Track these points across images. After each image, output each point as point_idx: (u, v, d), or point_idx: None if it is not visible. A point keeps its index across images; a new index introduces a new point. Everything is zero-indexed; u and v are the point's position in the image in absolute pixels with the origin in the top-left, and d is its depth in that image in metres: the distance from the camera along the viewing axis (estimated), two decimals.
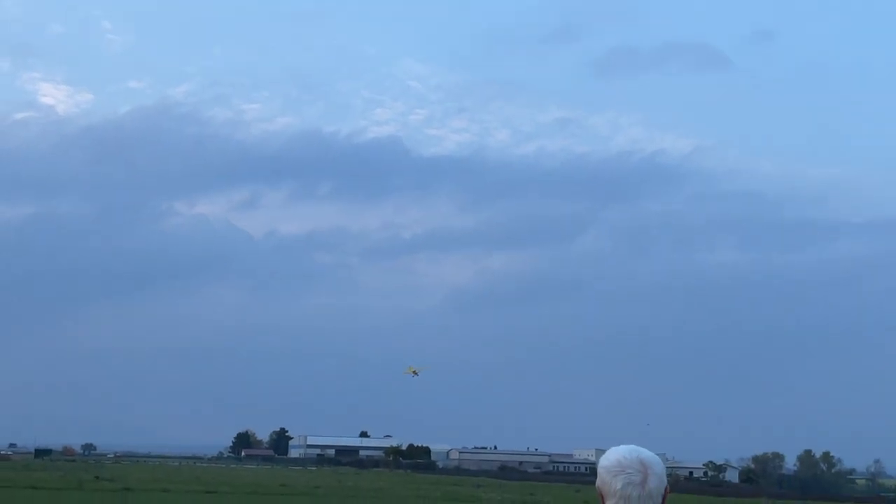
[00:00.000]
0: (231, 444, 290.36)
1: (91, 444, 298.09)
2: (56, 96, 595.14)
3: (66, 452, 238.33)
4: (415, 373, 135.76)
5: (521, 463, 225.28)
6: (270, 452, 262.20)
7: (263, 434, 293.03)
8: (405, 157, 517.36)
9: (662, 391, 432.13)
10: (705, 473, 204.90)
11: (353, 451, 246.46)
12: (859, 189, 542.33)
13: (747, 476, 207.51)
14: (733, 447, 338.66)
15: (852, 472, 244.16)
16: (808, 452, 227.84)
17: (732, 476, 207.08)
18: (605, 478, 4.02)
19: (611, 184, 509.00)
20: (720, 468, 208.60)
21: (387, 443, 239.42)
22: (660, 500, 4.00)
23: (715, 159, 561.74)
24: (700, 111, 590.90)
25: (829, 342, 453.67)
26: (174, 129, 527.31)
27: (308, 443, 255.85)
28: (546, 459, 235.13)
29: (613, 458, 4.03)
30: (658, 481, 3.99)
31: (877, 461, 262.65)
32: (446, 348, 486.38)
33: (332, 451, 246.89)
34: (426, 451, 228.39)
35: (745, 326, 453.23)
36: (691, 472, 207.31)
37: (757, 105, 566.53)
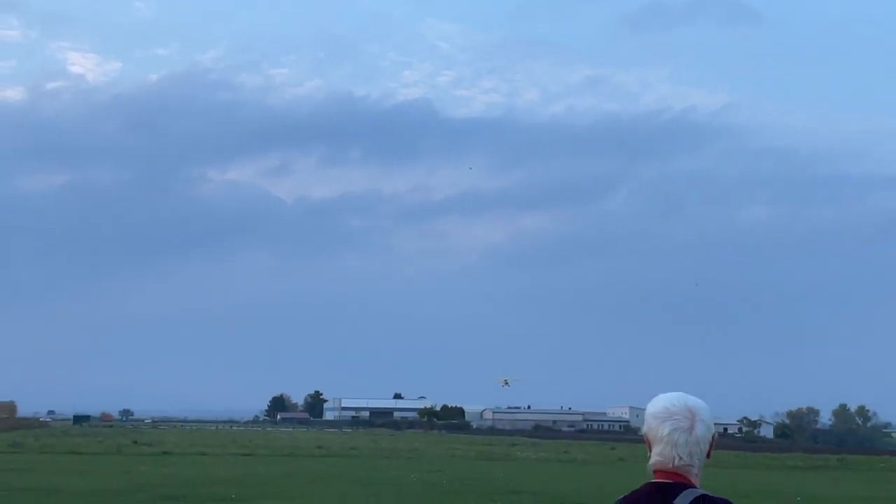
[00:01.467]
0: (266, 407, 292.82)
1: (128, 410, 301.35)
2: (84, 65, 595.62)
3: (104, 418, 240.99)
4: (506, 383, 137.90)
5: (554, 422, 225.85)
6: (305, 415, 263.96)
7: (298, 397, 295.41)
8: (434, 119, 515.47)
9: (695, 348, 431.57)
10: (740, 430, 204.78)
11: (388, 412, 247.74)
12: (894, 142, 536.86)
13: (782, 431, 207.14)
14: (768, 402, 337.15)
15: (888, 425, 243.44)
16: (842, 406, 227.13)
17: (767, 432, 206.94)
18: (653, 424, 3.95)
19: (641, 142, 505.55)
20: (755, 424, 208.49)
21: (421, 404, 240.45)
22: (706, 447, 3.93)
23: (746, 115, 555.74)
24: (731, 66, 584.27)
25: (864, 296, 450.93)
26: (205, 97, 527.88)
27: (342, 405, 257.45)
28: (580, 418, 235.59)
29: (661, 404, 3.97)
30: (705, 428, 3.92)
31: None
32: (479, 309, 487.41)
33: (366, 413, 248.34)
34: (460, 412, 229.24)
35: (778, 282, 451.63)
36: (726, 429, 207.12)
37: (789, 59, 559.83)
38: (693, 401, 3.97)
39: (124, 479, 38.02)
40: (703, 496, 3.79)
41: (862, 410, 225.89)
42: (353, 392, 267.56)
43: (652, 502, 3.84)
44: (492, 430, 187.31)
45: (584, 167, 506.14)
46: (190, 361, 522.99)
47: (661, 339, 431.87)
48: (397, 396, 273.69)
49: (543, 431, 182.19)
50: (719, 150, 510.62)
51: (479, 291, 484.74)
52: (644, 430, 4.04)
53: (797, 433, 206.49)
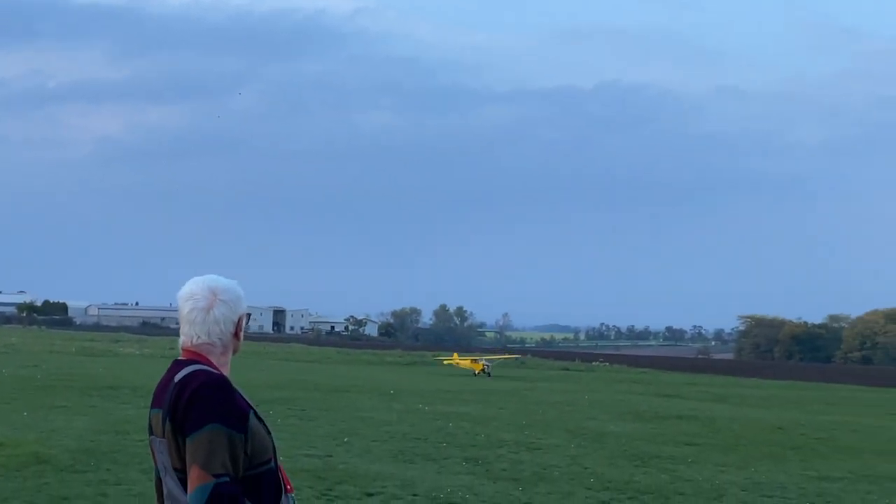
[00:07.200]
0: None
1: None
2: None
3: None
4: None
5: (163, 319, 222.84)
6: None
7: None
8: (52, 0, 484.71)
9: (309, 248, 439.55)
10: (346, 328, 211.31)
11: None
12: (509, 59, 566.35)
13: (386, 330, 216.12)
14: (374, 303, 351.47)
15: (483, 325, 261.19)
16: (443, 307, 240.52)
17: (372, 330, 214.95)
18: (179, 305, 4.15)
19: (270, 42, 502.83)
20: (361, 322, 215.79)
21: (20, 298, 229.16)
22: (231, 326, 4.13)
23: (375, 21, 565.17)
24: None
25: (470, 205, 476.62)
26: None
27: None
28: None
29: (188, 288, 4.16)
30: (227, 309, 4.12)
31: (505, 315, 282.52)
32: (89, 202, 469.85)
33: None
34: (63, 308, 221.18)
35: (394, 187, 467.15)
36: (333, 327, 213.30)
37: None
38: (217, 282, 4.17)
39: None
40: (198, 370, 4.02)
41: (460, 311, 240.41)
42: None
43: (167, 379, 4.06)
44: (97, 327, 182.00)
45: (211, 64, 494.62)
46: None
47: (279, 239, 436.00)
48: None
49: (151, 328, 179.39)
50: (347, 55, 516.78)
51: (91, 184, 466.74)
52: (178, 312, 4.25)
53: (400, 331, 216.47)
